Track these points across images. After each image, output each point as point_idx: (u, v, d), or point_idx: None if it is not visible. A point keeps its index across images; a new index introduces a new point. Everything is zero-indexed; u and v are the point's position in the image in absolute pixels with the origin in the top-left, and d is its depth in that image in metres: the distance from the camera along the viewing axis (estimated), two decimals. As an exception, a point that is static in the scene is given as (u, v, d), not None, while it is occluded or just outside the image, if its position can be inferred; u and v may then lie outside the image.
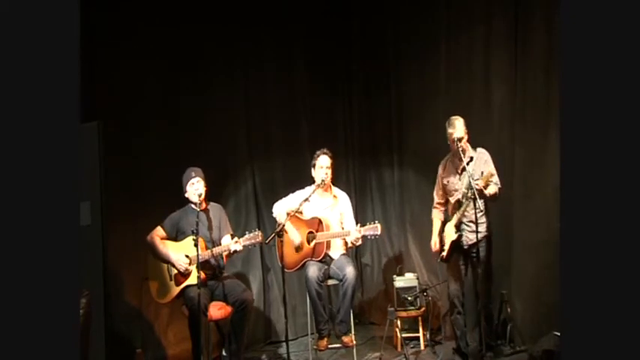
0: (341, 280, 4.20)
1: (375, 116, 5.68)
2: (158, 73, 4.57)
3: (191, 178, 4.08)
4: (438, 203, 4.23)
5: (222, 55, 5.04)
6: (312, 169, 4.43)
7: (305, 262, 4.29)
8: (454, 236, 3.95)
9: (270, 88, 5.33)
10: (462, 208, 3.87)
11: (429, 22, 5.09)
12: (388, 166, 5.57)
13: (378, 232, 4.10)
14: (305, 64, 5.52)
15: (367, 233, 4.10)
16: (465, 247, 3.99)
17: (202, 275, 3.87)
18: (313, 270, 4.18)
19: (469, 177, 3.72)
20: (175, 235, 4.11)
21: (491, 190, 3.85)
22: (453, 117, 3.99)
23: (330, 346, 4.33)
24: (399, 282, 4.73)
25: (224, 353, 4.14)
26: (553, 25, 4.08)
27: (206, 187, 4.10)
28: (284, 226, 4.06)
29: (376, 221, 4.16)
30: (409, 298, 4.61)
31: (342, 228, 4.42)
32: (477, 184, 3.69)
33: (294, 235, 4.33)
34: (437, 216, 4.24)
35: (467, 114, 4.05)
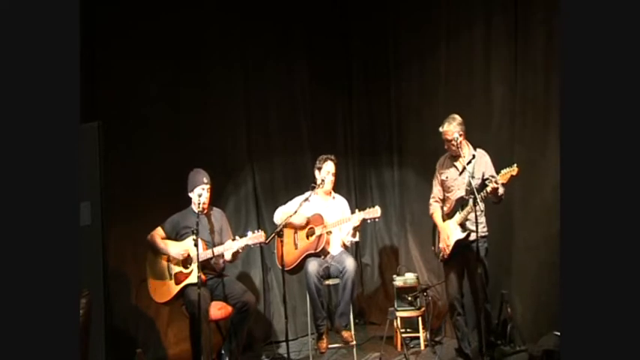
0: (341, 273, 4.22)
1: (375, 116, 5.67)
2: (158, 73, 4.57)
3: (202, 184, 4.04)
4: (438, 199, 4.18)
5: (222, 55, 5.03)
6: (317, 172, 4.43)
7: (305, 258, 4.29)
8: (461, 235, 3.87)
9: (270, 88, 5.33)
10: (468, 207, 3.78)
11: (429, 22, 5.09)
12: (388, 166, 5.57)
13: (378, 215, 4.18)
14: (305, 64, 5.52)
15: (367, 216, 4.18)
16: (471, 244, 3.89)
17: (203, 277, 3.86)
18: (313, 265, 4.20)
19: (469, 176, 3.71)
20: (175, 237, 4.10)
21: (501, 190, 3.76)
22: (450, 116, 3.94)
23: (330, 346, 4.34)
24: (399, 282, 4.73)
25: (222, 351, 4.14)
26: (553, 24, 4.08)
27: (210, 192, 4.09)
28: (284, 225, 4.07)
29: (376, 206, 4.23)
30: (409, 298, 4.61)
31: (340, 230, 4.43)
32: (495, 182, 3.65)
33: (297, 218, 4.30)
34: (437, 210, 4.15)
35: (467, 113, 4.04)
